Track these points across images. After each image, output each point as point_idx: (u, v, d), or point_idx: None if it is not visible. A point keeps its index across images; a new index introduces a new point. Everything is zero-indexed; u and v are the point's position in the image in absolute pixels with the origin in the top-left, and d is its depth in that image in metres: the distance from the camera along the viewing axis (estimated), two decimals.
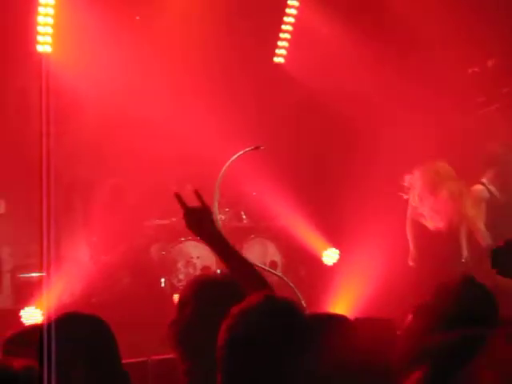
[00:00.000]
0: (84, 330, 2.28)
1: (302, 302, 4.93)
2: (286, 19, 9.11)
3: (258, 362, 1.81)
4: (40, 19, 8.11)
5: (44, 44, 8.16)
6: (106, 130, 8.52)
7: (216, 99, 8.35)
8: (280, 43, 9.20)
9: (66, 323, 2.31)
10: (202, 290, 2.51)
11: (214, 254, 2.87)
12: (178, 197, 2.94)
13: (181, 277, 8.02)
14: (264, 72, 9.10)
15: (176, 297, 7.17)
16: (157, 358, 5.09)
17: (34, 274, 8.22)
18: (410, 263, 6.89)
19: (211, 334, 1.90)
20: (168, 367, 4.43)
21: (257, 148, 5.64)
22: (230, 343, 1.87)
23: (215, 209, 5.70)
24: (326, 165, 9.08)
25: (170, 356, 4.80)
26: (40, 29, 8.13)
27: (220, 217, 7.22)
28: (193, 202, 3.04)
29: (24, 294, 7.63)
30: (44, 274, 8.18)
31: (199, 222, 2.83)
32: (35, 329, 2.59)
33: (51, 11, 8.10)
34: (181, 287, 7.89)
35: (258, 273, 2.73)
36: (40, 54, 8.14)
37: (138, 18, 8.90)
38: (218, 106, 8.27)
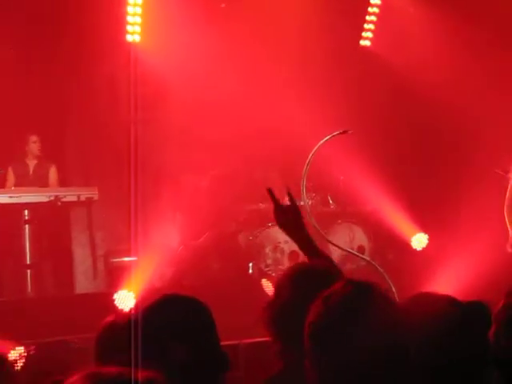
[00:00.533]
0: (184, 312, 2.31)
1: (392, 287, 4.83)
2: (372, 1, 8.94)
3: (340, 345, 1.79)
4: (129, 9, 8.26)
5: (133, 33, 8.32)
6: (192, 117, 8.62)
7: (305, 86, 8.29)
8: (366, 26, 9.04)
9: (165, 305, 2.34)
10: (299, 275, 2.55)
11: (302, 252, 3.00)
12: (271, 192, 2.98)
13: (268, 262, 8.04)
14: (352, 55, 8.98)
15: (264, 281, 7.20)
16: (248, 341, 5.12)
17: (125, 259, 8.43)
18: (509, 250, 6.65)
19: (305, 317, 1.89)
20: (259, 350, 4.45)
21: (344, 132, 5.54)
22: (313, 328, 1.86)
23: (303, 194, 5.66)
24: (417, 149, 8.90)
25: (261, 339, 4.84)
26: (129, 19, 8.29)
27: (307, 202, 7.17)
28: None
29: (116, 278, 7.83)
30: (135, 259, 8.39)
31: (289, 220, 2.96)
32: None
33: (140, 1, 8.24)
34: (269, 272, 7.92)
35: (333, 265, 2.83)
36: (129, 44, 8.31)
37: (223, 5, 8.93)
38: (307, 93, 8.21)
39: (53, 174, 8.36)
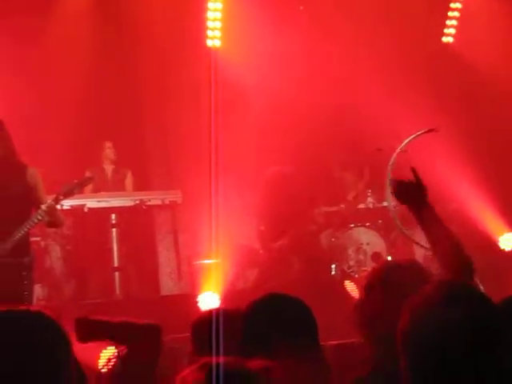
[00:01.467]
0: (292, 309, 2.34)
1: (480, 286, 4.67)
2: None
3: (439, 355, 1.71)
4: (209, 14, 8.35)
5: (213, 38, 8.40)
6: (270, 120, 8.63)
7: (386, 86, 8.16)
8: (449, 22, 8.83)
9: (271, 303, 2.39)
10: (389, 273, 2.49)
11: (420, 225, 2.85)
12: (414, 170, 2.87)
13: (351, 263, 7.95)
14: (434, 52, 8.79)
15: (348, 283, 7.11)
16: (332, 343, 5.07)
17: (207, 261, 8.51)
18: None
19: (397, 318, 1.83)
20: (344, 352, 4.39)
21: (431, 131, 5.40)
22: (409, 333, 1.78)
23: (388, 195, 5.57)
24: (502, 146, 8.62)
25: (346, 341, 4.79)
26: (209, 24, 8.37)
27: (391, 203, 7.05)
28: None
29: (200, 280, 7.90)
30: (217, 261, 8.45)
31: (415, 198, 2.86)
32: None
33: (220, 6, 8.31)
34: (351, 273, 7.83)
35: (461, 251, 2.68)
36: (209, 48, 8.41)
37: (301, 7, 8.91)
38: (389, 92, 8.09)
39: (129, 179, 8.54)
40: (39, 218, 4.82)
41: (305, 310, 2.39)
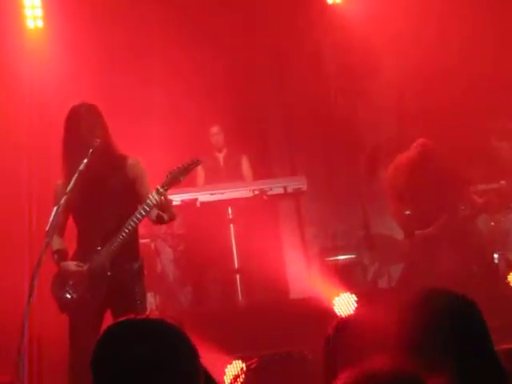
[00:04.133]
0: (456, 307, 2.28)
1: None
2: None
3: None
4: None
5: None
6: (406, 88, 8.45)
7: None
8: None
9: (431, 300, 2.35)
10: None
11: None
12: None
13: None
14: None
15: None
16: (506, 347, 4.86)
17: (342, 257, 8.44)
18: None
19: None
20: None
21: None
22: None
23: None
24: None
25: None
26: None
27: None
28: None
29: (334, 279, 7.84)
30: (353, 256, 8.36)
31: None
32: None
33: None
34: None
35: None
36: (332, 6, 8.36)
37: None
38: None
39: (245, 163, 8.55)
40: (143, 213, 4.85)
41: (476, 309, 2.29)
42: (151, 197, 4.87)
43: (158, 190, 4.89)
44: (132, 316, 1.93)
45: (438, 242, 7.62)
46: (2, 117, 7.77)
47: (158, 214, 5.00)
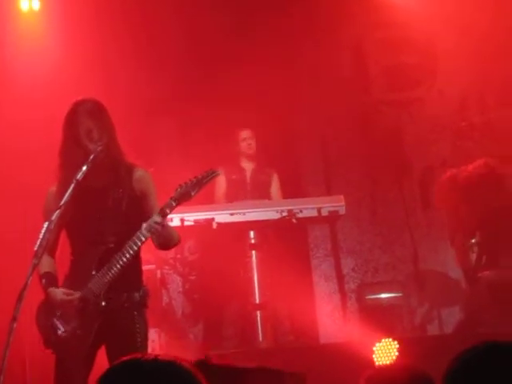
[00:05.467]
0: None
1: None
2: None
3: None
4: None
5: None
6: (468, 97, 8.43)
7: None
8: None
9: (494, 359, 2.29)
10: None
11: None
12: None
13: None
14: None
15: None
16: None
17: (385, 296, 8.37)
18: None
19: None
20: None
21: None
22: None
23: None
24: None
25: None
26: None
27: None
28: None
29: (374, 321, 7.79)
30: (400, 295, 8.27)
31: None
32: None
33: None
34: None
35: None
36: None
37: None
38: None
39: (275, 182, 8.49)
40: (142, 238, 4.81)
41: None
42: (147, 222, 4.84)
43: (163, 207, 4.86)
44: (138, 355, 1.90)
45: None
46: None
47: (158, 240, 4.97)
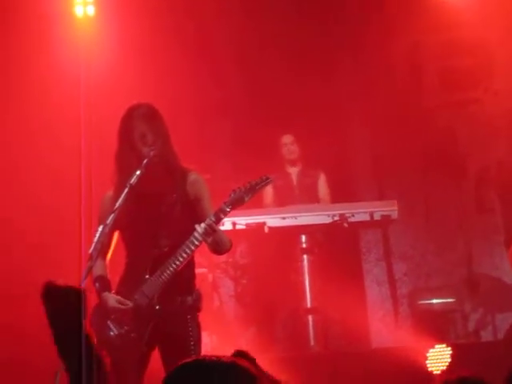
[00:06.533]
0: None
1: None
2: None
3: None
4: None
5: None
6: None
7: None
8: None
9: None
10: None
11: None
12: None
13: None
14: None
15: None
16: None
17: (437, 301, 8.32)
18: None
19: None
20: None
21: None
22: None
23: None
24: None
25: None
26: None
27: None
28: None
29: (427, 326, 7.76)
30: (452, 300, 8.23)
31: None
32: None
33: None
34: None
35: None
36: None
37: None
38: None
39: (322, 182, 8.50)
40: (195, 242, 4.84)
41: None
42: (201, 226, 4.87)
43: (217, 212, 4.90)
44: (200, 357, 1.94)
45: None
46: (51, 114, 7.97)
47: (210, 245, 4.99)
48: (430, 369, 6.86)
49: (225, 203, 4.91)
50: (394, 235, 8.81)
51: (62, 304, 2.50)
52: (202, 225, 4.88)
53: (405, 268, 8.83)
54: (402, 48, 8.96)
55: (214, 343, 7.71)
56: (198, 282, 5.30)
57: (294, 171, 8.55)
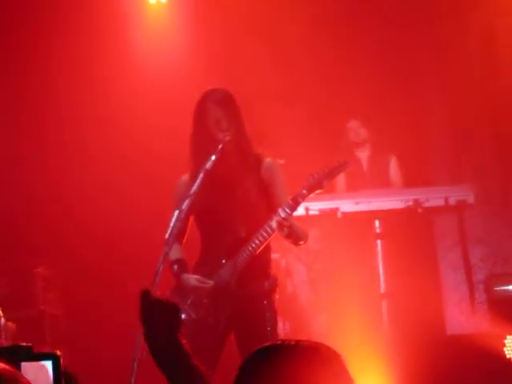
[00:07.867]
0: None
1: None
2: None
3: None
4: None
5: None
6: None
7: None
8: None
9: None
10: None
11: None
12: None
13: None
14: None
15: None
16: None
17: None
18: None
19: None
20: None
21: None
22: None
23: None
24: None
25: None
26: None
27: None
28: None
29: (504, 313, 7.68)
30: None
31: None
32: None
33: None
34: None
35: None
36: None
37: None
38: None
39: (394, 165, 8.45)
40: (269, 231, 4.86)
41: None
42: (276, 217, 4.86)
43: (294, 197, 4.91)
44: (278, 341, 1.97)
45: None
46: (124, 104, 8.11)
47: (286, 235, 4.97)
48: (508, 356, 6.79)
49: (303, 187, 4.93)
50: (469, 220, 8.71)
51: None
52: (276, 216, 4.88)
53: (481, 253, 8.74)
54: (476, 32, 8.84)
55: (286, 329, 7.74)
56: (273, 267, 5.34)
57: (363, 156, 8.53)
